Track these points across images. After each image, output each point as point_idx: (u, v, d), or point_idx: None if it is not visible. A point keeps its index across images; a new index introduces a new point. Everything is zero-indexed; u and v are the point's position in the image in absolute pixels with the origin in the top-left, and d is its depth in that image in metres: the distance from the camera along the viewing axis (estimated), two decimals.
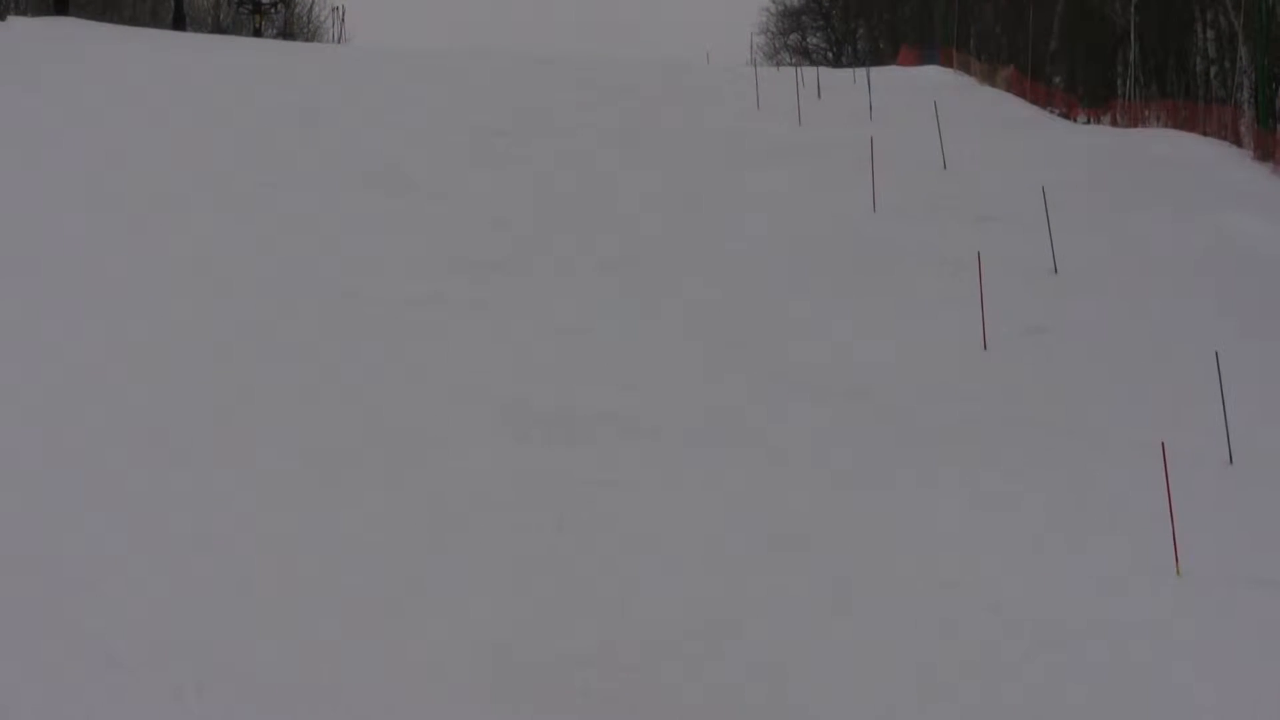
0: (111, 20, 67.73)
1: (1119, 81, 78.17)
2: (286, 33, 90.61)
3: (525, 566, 16.96)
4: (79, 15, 62.10)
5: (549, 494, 19.08)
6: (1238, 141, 54.32)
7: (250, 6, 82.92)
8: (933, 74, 68.93)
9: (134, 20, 76.91)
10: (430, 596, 16.00)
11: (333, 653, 14.55)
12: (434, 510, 18.25)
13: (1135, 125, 63.41)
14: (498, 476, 19.47)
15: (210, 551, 16.33)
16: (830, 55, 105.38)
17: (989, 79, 71.32)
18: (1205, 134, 55.04)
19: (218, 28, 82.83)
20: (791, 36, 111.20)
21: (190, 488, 17.91)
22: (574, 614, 15.96)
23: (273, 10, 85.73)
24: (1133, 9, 75.75)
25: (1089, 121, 69.40)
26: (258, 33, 79.33)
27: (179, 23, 67.59)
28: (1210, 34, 68.79)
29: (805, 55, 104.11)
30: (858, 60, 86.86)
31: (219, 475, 18.47)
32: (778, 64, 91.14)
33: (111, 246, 27.33)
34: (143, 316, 24.00)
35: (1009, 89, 68.89)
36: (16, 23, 54.26)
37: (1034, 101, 66.96)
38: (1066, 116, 67.71)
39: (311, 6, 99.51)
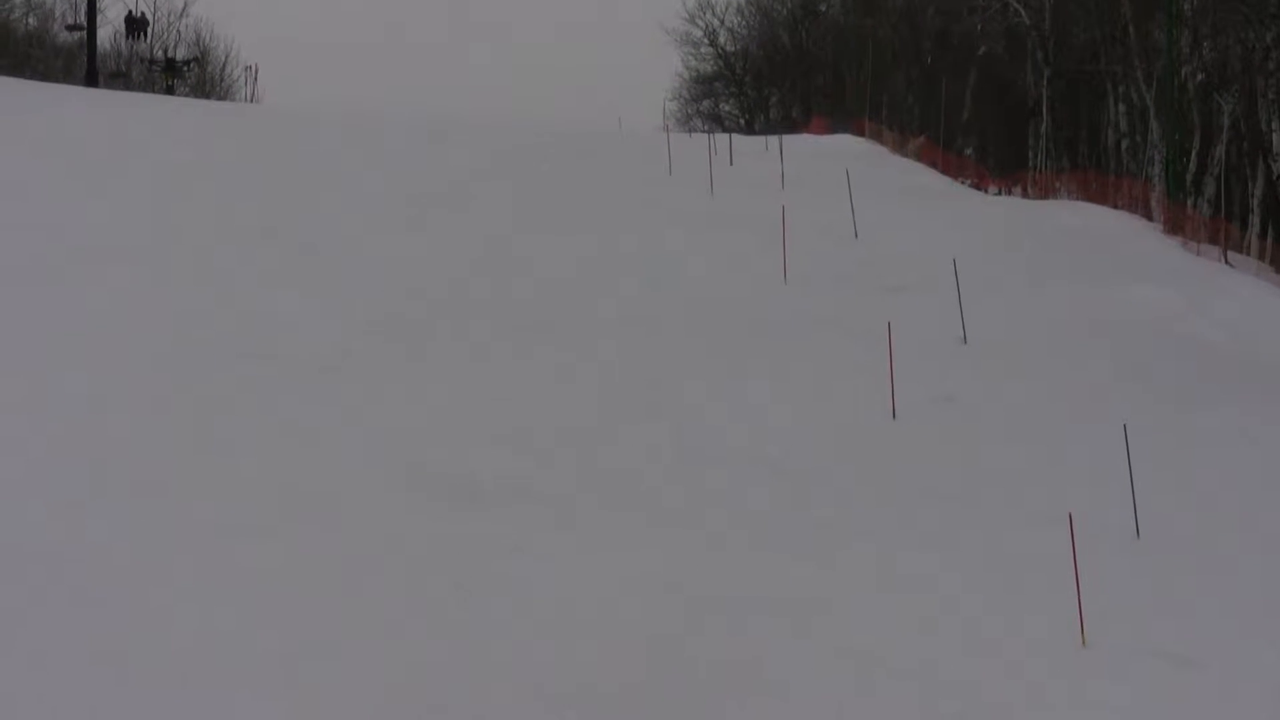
0: (24, 76, 67.39)
1: (1030, 153, 78.88)
2: (199, 91, 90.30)
3: (431, 633, 16.69)
4: None
5: (455, 559, 18.80)
6: (1148, 215, 54.98)
7: (163, 65, 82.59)
8: (845, 143, 69.20)
9: (46, 76, 76.56)
10: (332, 661, 15.71)
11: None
12: (339, 574, 17.94)
13: (1046, 197, 63.97)
14: (404, 541, 19.17)
15: (113, 614, 16.01)
16: (743, 122, 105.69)
17: (901, 149, 71.72)
18: (1116, 207, 55.62)
19: (128, 84, 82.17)
20: (704, 103, 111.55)
21: (89, 552, 17.56)
22: (479, 680, 15.72)
23: (185, 69, 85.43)
24: (1045, 81, 76.54)
25: (1000, 192, 69.93)
26: (170, 90, 78.96)
27: (91, 79, 67.13)
28: (1122, 108, 69.45)
29: (718, 122, 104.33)
30: (770, 128, 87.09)
31: (123, 535, 18.11)
32: (690, 131, 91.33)
33: (18, 303, 26.87)
34: (49, 375, 23.59)
35: (920, 159, 69.26)
36: None
37: (945, 172, 67.33)
38: (978, 187, 68.22)
39: (224, 65, 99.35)
